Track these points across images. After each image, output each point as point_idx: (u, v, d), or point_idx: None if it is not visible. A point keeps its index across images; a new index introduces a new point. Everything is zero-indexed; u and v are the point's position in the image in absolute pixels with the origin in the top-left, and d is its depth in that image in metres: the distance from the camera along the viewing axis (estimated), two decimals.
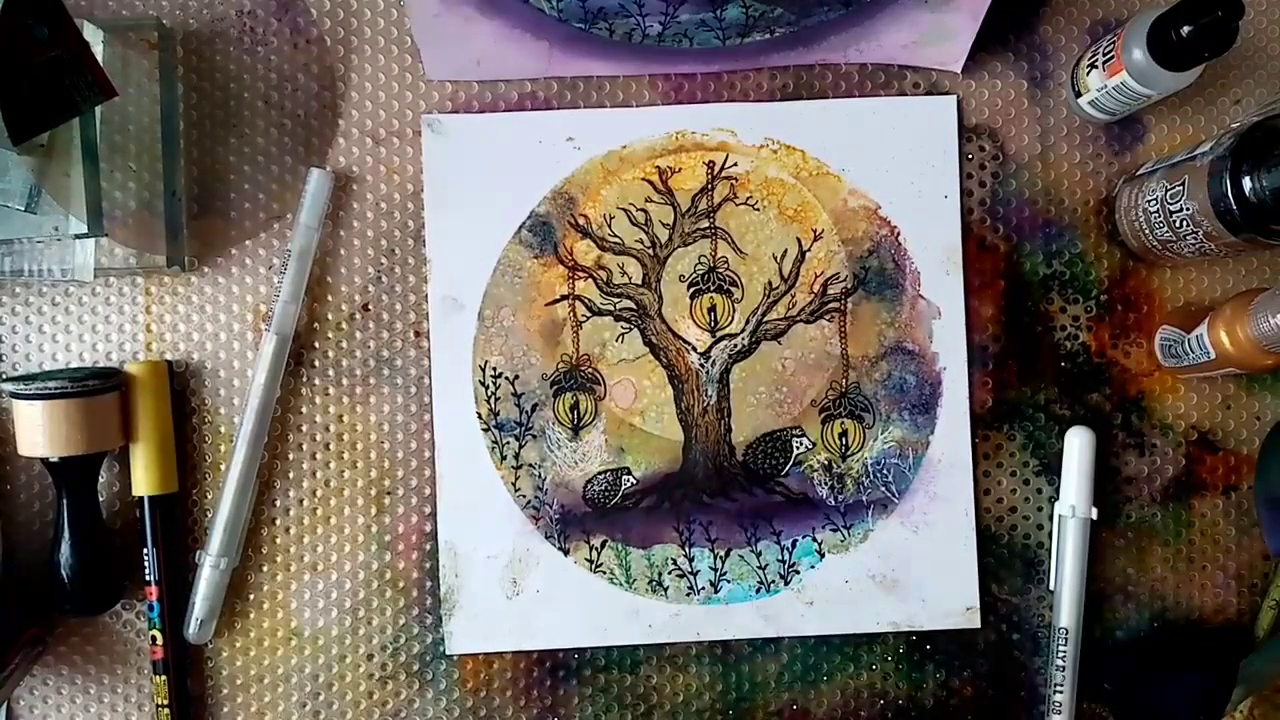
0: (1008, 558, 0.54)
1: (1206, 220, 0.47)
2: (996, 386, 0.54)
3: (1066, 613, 0.53)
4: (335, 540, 0.53)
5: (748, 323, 0.54)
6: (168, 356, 0.53)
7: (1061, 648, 0.52)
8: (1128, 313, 0.54)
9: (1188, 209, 0.47)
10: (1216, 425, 0.55)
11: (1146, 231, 0.51)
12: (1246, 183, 0.44)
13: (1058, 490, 0.54)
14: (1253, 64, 0.55)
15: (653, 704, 0.54)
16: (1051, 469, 0.54)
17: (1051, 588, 0.53)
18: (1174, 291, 0.55)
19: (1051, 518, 0.54)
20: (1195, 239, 0.48)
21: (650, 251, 0.53)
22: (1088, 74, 0.52)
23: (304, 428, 0.53)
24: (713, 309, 0.54)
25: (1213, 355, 0.49)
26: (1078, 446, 0.53)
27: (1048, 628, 0.54)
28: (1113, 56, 0.49)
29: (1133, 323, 0.54)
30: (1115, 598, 0.54)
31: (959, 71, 0.54)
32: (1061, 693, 0.52)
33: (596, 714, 0.53)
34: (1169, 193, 0.49)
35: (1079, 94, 0.53)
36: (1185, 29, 0.46)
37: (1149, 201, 0.50)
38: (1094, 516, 0.53)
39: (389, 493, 0.53)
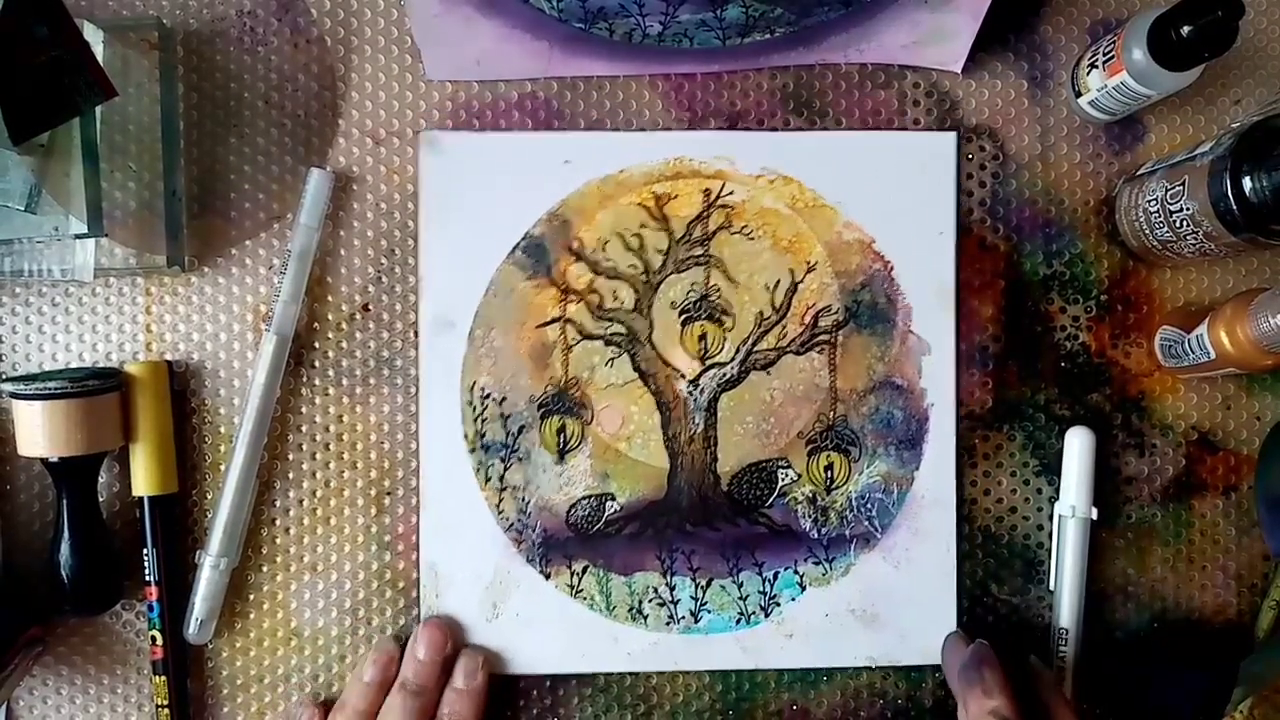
0: (1007, 558, 0.54)
1: (1206, 220, 0.47)
2: (996, 386, 0.54)
3: (1066, 613, 0.53)
4: (335, 540, 0.53)
5: (738, 352, 0.53)
6: (168, 356, 0.53)
7: (1061, 648, 0.52)
8: (1128, 313, 0.54)
9: (1188, 209, 0.47)
10: (1216, 425, 0.55)
11: (1146, 231, 0.51)
12: (1246, 183, 0.44)
13: (1058, 490, 0.54)
14: (1253, 64, 0.55)
15: (653, 704, 0.53)
16: (1051, 469, 0.54)
17: (1051, 588, 0.53)
18: (1174, 291, 0.55)
19: (1051, 518, 0.54)
20: (1195, 239, 0.48)
21: (643, 277, 0.53)
22: (1088, 74, 0.52)
23: (304, 428, 0.53)
24: (703, 337, 0.53)
25: (1213, 355, 0.49)
26: (1078, 446, 0.53)
27: (1048, 628, 0.54)
28: (1113, 56, 0.49)
29: (1133, 323, 0.54)
30: (1115, 598, 0.54)
31: (959, 71, 0.54)
32: None
33: (596, 714, 0.53)
34: (1169, 193, 0.49)
35: (1079, 94, 0.53)
36: (1185, 29, 0.46)
37: (1149, 201, 0.50)
38: (1094, 516, 0.53)
39: (389, 493, 0.53)
